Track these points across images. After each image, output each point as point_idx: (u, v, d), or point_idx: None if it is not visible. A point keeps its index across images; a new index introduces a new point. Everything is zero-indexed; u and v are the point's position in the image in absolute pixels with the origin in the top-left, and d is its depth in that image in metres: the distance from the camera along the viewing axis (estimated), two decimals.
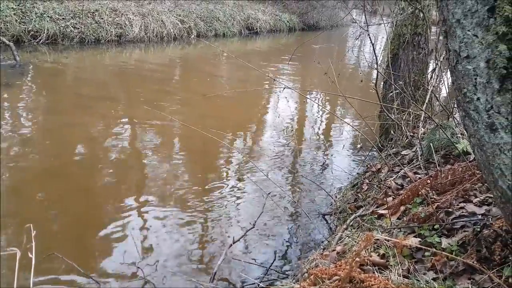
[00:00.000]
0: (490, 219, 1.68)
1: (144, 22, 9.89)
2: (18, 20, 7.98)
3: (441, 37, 4.29)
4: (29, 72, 6.49)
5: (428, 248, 1.59)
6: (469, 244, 1.59)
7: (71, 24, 8.66)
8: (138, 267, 2.37)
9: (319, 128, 5.59)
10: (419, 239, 1.78)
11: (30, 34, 8.07)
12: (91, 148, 4.11)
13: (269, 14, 14.60)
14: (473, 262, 1.43)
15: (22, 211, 2.92)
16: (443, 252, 1.52)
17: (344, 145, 4.82)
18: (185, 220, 2.97)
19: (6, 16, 7.77)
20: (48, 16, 8.40)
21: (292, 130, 5.25)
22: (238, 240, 2.60)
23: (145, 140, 4.40)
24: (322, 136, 5.19)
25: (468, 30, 1.15)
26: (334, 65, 3.33)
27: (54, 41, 8.38)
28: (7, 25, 7.73)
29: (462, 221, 1.78)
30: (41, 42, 8.15)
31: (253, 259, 2.56)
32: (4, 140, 3.96)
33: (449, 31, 1.25)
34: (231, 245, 2.52)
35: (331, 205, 3.30)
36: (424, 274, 1.53)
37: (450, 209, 1.92)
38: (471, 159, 2.53)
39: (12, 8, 8.00)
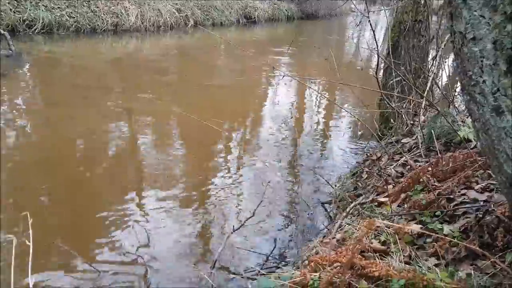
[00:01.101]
0: (492, 205, 1.67)
1: (141, 11, 9.77)
2: (13, 9, 7.85)
3: (442, 26, 4.24)
4: (25, 62, 6.41)
5: (431, 234, 1.58)
6: (471, 231, 1.59)
7: (66, 13, 8.54)
8: (138, 255, 2.37)
9: (318, 117, 5.56)
10: (421, 226, 1.77)
11: (25, 23, 7.95)
12: (88, 138, 4.08)
13: (267, 3, 14.44)
14: (475, 248, 1.42)
15: (20, 201, 2.90)
16: (445, 238, 1.51)
17: (343, 134, 4.80)
18: (184, 208, 2.96)
19: (0, 5, 7.65)
20: (43, 5, 8.27)
21: (291, 118, 5.22)
22: (238, 228, 2.60)
23: (143, 130, 4.37)
24: (321, 125, 5.17)
25: (475, 11, 1.12)
26: (334, 53, 3.29)
27: (50, 31, 8.26)
28: (2, 14, 7.60)
29: (464, 208, 1.77)
30: (36, 31, 8.04)
31: (253, 247, 2.55)
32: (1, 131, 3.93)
33: (455, 12, 1.22)
34: (231, 233, 2.52)
35: (330, 193, 3.30)
36: (426, 260, 1.52)
37: (451, 196, 1.91)
38: (472, 146, 2.51)
39: None
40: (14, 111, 4.51)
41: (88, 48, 8.08)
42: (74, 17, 8.61)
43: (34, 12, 8.09)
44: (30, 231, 1.21)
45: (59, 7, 8.51)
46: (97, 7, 9.07)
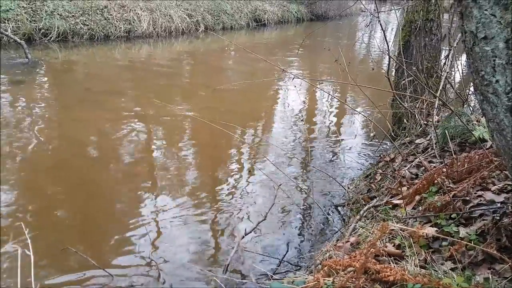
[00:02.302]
0: (510, 207, 1.62)
1: (152, 17, 9.89)
2: (29, 19, 8.05)
3: (454, 24, 4.17)
4: (41, 69, 6.56)
5: (446, 237, 1.54)
6: (488, 233, 1.55)
7: (80, 21, 8.71)
8: (151, 259, 2.39)
9: (330, 118, 5.53)
10: (436, 229, 1.73)
11: (41, 32, 8.14)
12: (102, 143, 4.14)
13: (276, 5, 14.44)
14: (493, 251, 1.38)
15: (31, 206, 2.95)
16: (461, 241, 1.47)
17: (356, 135, 4.76)
18: (196, 212, 2.97)
19: (17, 15, 7.86)
20: (58, 14, 8.45)
21: (302, 121, 5.20)
22: (250, 232, 2.59)
23: (155, 134, 4.42)
24: (333, 126, 5.13)
25: (486, 10, 1.10)
26: (344, 54, 3.26)
27: (65, 39, 8.44)
28: (19, 24, 7.82)
29: (481, 210, 1.73)
30: (51, 39, 8.23)
31: (265, 251, 2.55)
32: (16, 135, 4.02)
33: (465, 11, 1.20)
34: (243, 237, 2.52)
35: (343, 196, 3.26)
36: (442, 264, 1.49)
37: (467, 198, 1.87)
38: (488, 146, 2.46)
39: (23, 6, 8.08)
40: (28, 116, 4.61)
41: (102, 55, 8.22)
42: (88, 25, 8.78)
43: (50, 21, 8.28)
44: (29, 241, 1.22)
45: (73, 16, 8.69)
46: (110, 15, 9.22)
